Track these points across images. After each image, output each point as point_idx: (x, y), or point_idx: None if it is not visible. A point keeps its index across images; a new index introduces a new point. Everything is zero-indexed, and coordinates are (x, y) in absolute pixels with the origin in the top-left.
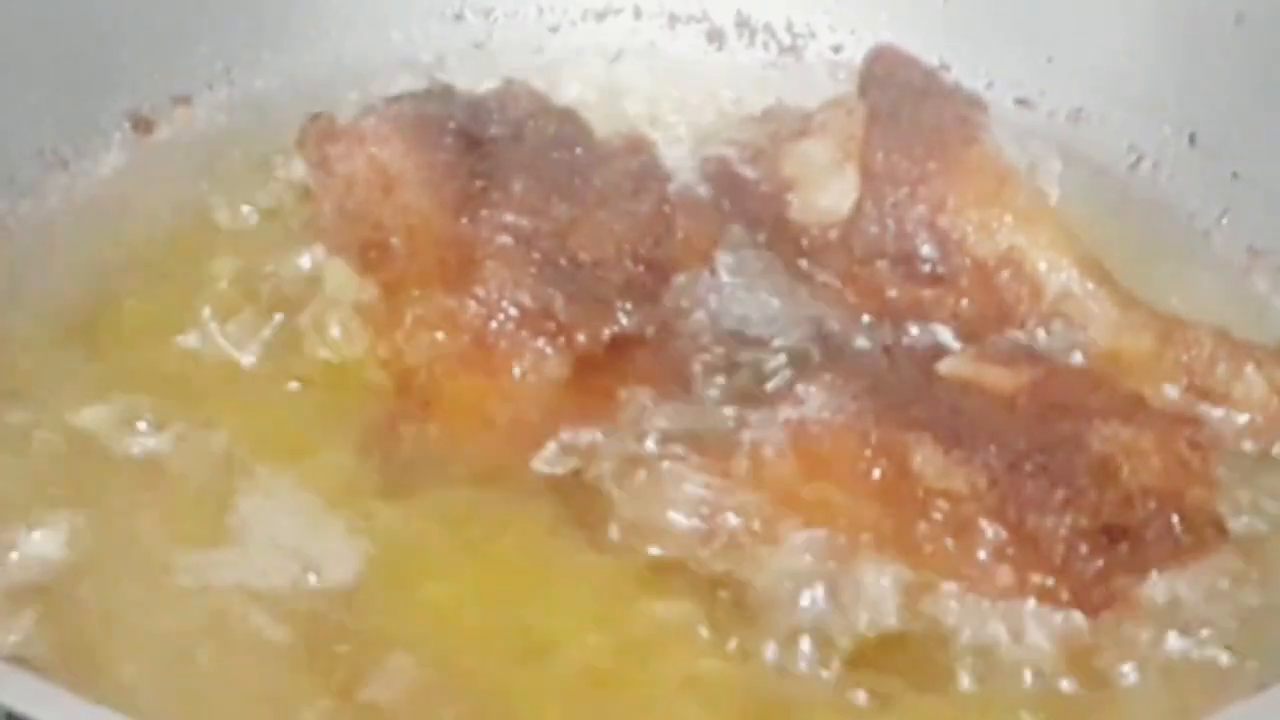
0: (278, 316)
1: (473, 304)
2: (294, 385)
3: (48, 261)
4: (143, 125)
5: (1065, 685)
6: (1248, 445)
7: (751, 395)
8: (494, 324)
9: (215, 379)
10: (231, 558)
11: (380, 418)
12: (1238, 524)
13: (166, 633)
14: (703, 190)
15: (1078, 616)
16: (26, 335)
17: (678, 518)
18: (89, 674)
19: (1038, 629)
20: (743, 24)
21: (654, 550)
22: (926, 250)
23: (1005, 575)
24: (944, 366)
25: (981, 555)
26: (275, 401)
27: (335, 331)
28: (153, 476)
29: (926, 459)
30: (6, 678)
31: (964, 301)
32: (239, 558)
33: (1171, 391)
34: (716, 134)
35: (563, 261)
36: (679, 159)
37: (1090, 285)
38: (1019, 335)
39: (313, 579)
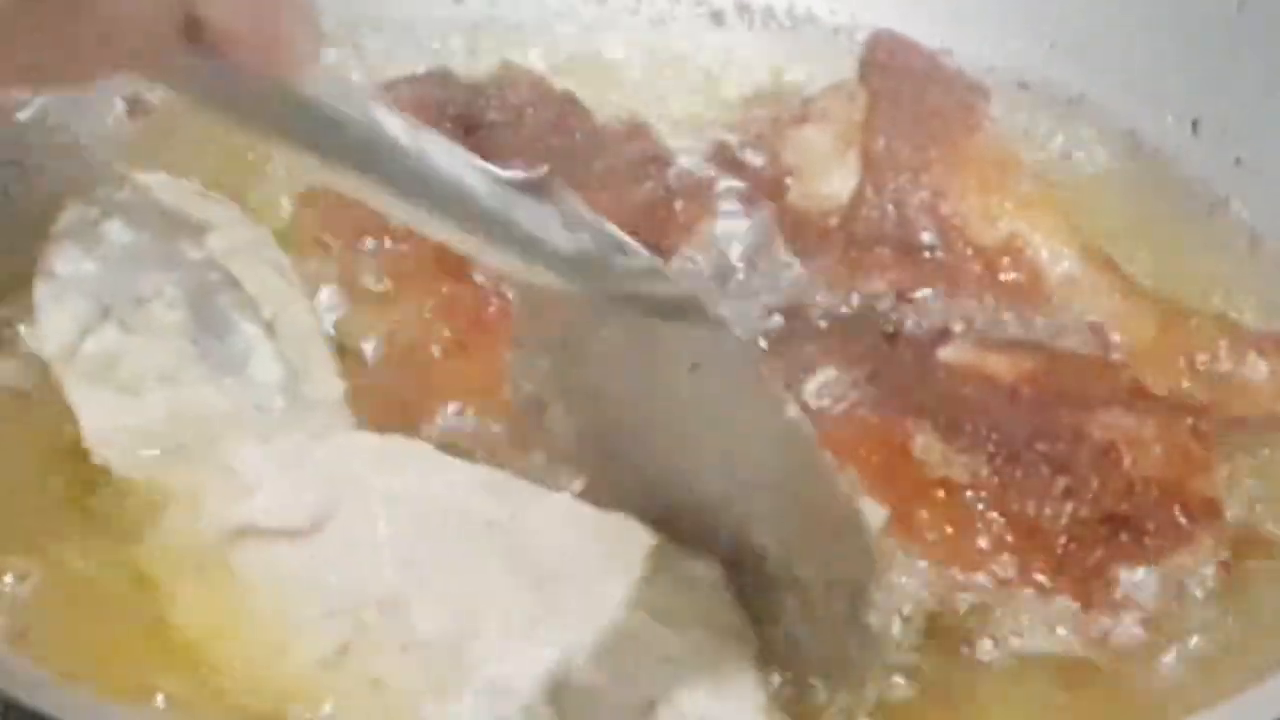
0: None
1: (471, 290)
2: None
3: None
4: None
5: (1065, 675)
6: (1250, 434)
7: None
8: (492, 309)
9: None
10: None
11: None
12: (1239, 512)
13: None
14: (703, 175)
15: (1077, 605)
16: None
17: None
18: None
19: (1037, 617)
20: (743, 7)
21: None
22: (928, 237)
23: (1005, 564)
24: (945, 354)
25: (981, 544)
26: None
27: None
28: None
29: (927, 446)
30: (6, 667)
31: (965, 289)
32: None
33: (1173, 379)
34: (716, 119)
35: None
36: (679, 144)
37: (1092, 272)
38: (1020, 322)
39: None
